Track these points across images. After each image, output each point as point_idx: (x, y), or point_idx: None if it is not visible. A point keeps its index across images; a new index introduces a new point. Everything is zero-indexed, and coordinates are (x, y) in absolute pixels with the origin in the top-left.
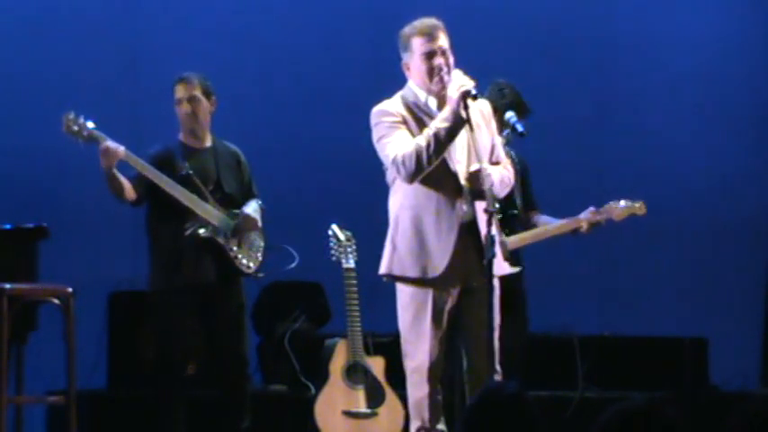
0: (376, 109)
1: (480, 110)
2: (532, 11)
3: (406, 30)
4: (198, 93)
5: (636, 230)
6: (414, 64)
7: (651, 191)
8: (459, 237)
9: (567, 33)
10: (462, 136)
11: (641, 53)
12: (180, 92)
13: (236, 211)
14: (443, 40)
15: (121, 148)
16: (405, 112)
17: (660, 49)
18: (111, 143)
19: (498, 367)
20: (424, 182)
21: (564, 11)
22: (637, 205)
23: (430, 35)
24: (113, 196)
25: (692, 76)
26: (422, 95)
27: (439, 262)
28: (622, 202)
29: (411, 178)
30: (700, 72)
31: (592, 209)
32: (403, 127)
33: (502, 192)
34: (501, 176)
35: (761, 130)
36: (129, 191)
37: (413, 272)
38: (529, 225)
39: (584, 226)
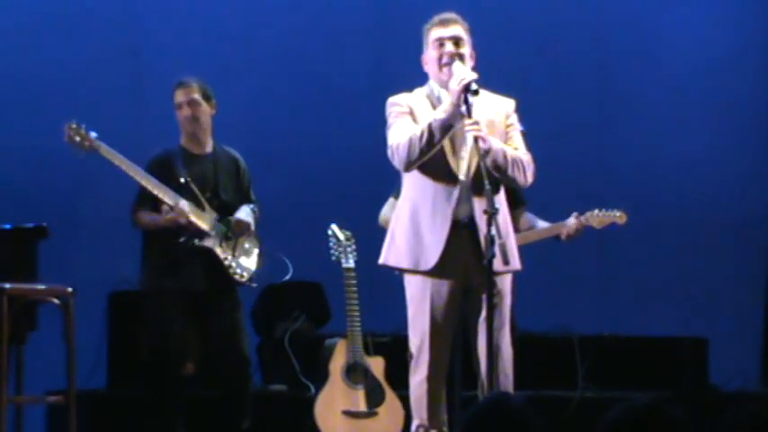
0: (388, 100)
1: (499, 108)
2: (532, 12)
3: (426, 24)
4: (197, 96)
5: (636, 230)
6: (428, 55)
7: (651, 190)
8: (455, 234)
9: (568, 34)
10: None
11: (641, 53)
12: (179, 96)
13: (231, 217)
14: (458, 30)
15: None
16: (416, 104)
17: (660, 50)
18: (180, 207)
19: (508, 372)
20: (424, 175)
21: (564, 12)
22: (617, 214)
23: (444, 24)
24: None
25: (692, 76)
26: (435, 89)
27: (431, 255)
28: (602, 211)
29: (405, 166)
30: (700, 72)
31: (575, 214)
32: (408, 117)
33: (515, 173)
34: (512, 156)
35: (761, 130)
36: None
37: (405, 263)
38: (515, 221)
39: (564, 233)
